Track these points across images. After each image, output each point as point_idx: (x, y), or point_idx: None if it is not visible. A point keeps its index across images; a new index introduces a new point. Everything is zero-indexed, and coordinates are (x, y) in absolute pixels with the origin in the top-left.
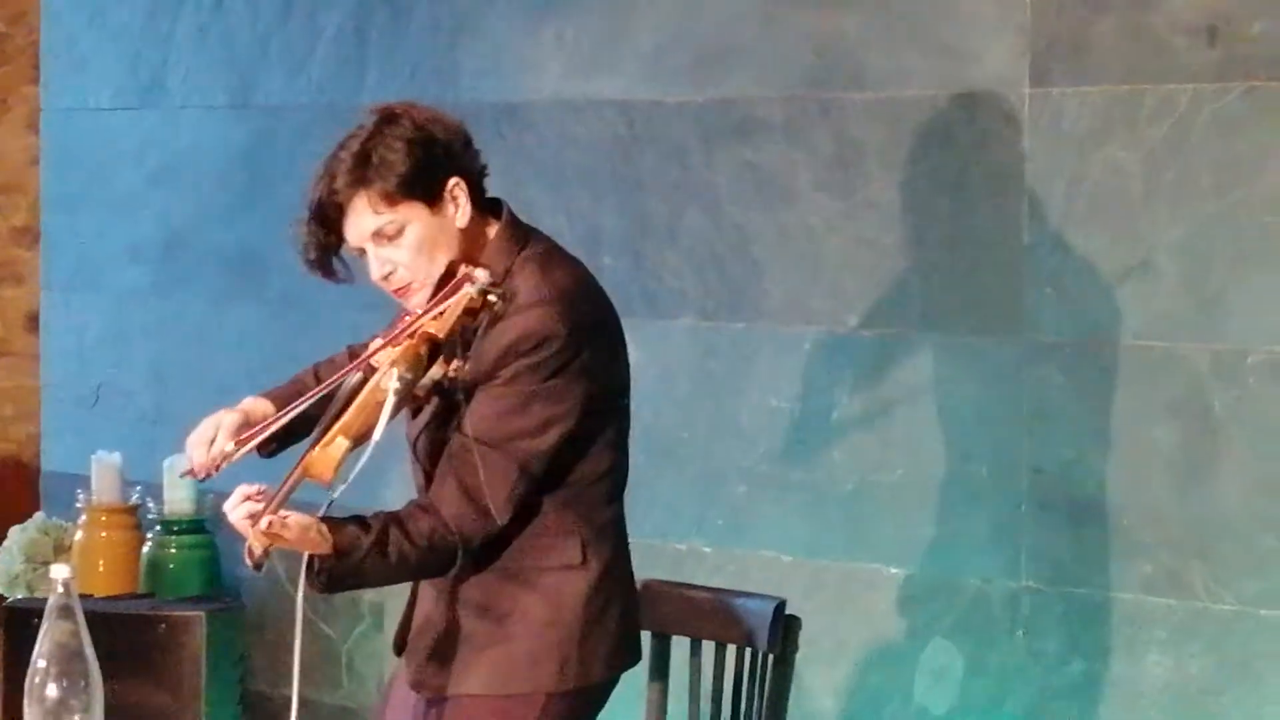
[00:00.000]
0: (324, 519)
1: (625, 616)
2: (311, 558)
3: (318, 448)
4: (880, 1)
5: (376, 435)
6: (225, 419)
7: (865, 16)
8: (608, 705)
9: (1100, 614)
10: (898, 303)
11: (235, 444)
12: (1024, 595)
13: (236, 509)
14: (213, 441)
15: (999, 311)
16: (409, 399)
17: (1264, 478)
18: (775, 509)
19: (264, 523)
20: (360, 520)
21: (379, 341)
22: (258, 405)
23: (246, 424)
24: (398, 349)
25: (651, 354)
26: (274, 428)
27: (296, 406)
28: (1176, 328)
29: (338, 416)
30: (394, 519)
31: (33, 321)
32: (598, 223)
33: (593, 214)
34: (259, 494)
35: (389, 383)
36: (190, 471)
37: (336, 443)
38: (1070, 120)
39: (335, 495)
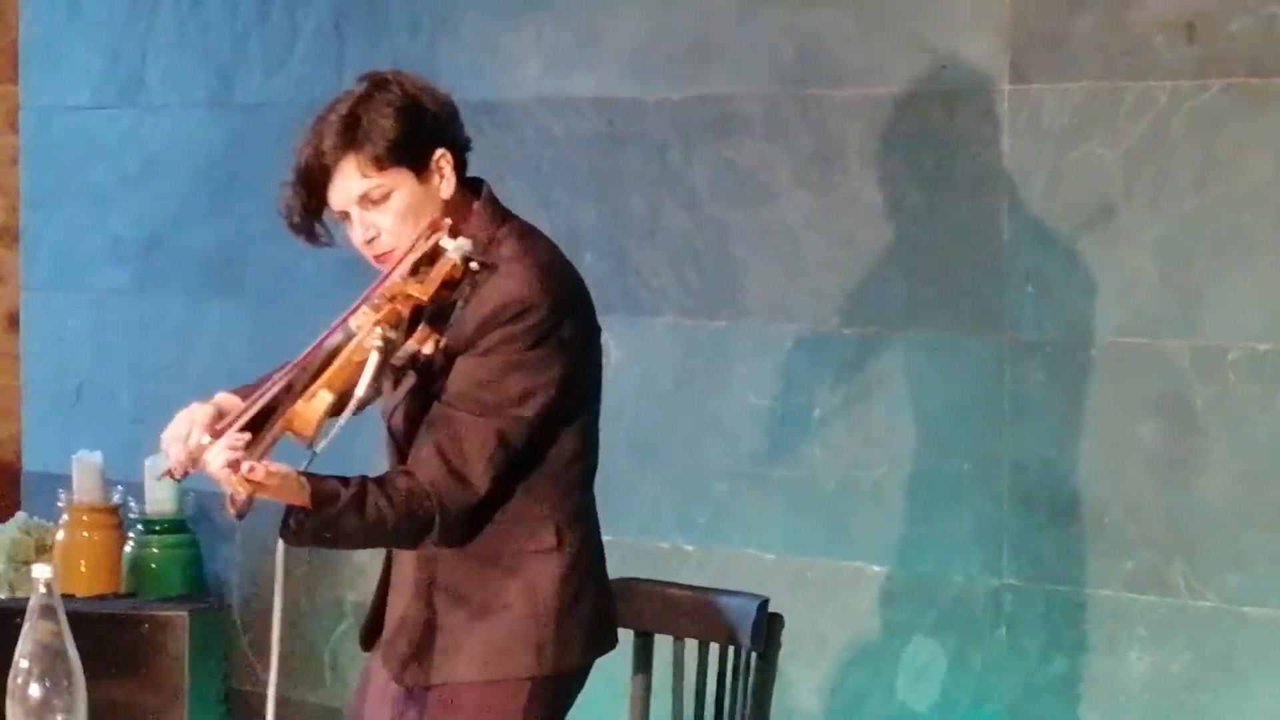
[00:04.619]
0: (304, 473)
1: (599, 603)
2: (288, 509)
3: (300, 401)
4: None
5: (359, 392)
6: (198, 413)
7: (844, 13)
8: (591, 706)
9: (1082, 611)
10: (878, 300)
11: (211, 437)
12: (1006, 592)
13: (218, 456)
14: (188, 438)
15: (979, 309)
16: (388, 363)
17: (1245, 474)
18: (757, 507)
19: (245, 467)
20: (340, 478)
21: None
22: (229, 399)
23: (220, 417)
24: (380, 311)
25: (632, 352)
26: (248, 415)
27: (269, 390)
28: (1157, 324)
29: (320, 373)
30: (374, 479)
31: (12, 321)
32: (577, 221)
33: (572, 212)
34: (241, 444)
35: (371, 341)
36: (169, 472)
37: (320, 396)
38: (1049, 117)
39: (317, 451)
